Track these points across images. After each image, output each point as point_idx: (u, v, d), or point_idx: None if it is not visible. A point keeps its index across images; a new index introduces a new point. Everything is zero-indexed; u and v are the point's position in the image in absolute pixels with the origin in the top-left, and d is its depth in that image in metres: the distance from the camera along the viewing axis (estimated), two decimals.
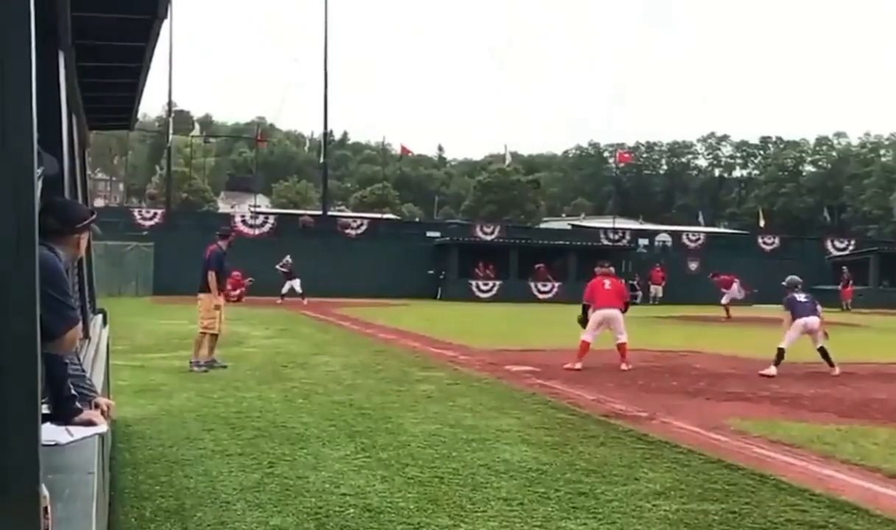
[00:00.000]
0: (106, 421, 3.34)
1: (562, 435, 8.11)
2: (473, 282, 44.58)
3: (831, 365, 13.65)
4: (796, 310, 13.90)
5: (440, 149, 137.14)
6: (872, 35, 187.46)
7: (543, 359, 14.92)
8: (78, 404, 3.21)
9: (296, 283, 35.98)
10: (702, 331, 24.27)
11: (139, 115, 8.83)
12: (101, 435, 3.20)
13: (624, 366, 13.94)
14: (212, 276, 13.28)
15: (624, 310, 14.67)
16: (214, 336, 13.36)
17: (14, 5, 1.52)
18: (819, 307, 14.28)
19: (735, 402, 10.58)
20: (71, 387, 3.20)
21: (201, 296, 13.46)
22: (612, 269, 15.42)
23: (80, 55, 5.14)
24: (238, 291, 33.84)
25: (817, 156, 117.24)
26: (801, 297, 14.14)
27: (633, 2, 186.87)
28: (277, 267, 36.37)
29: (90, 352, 4.95)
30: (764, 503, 5.79)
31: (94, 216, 3.66)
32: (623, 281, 16.58)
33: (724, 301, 32.17)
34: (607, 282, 14.71)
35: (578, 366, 13.84)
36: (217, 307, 13.36)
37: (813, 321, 13.84)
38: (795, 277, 14.59)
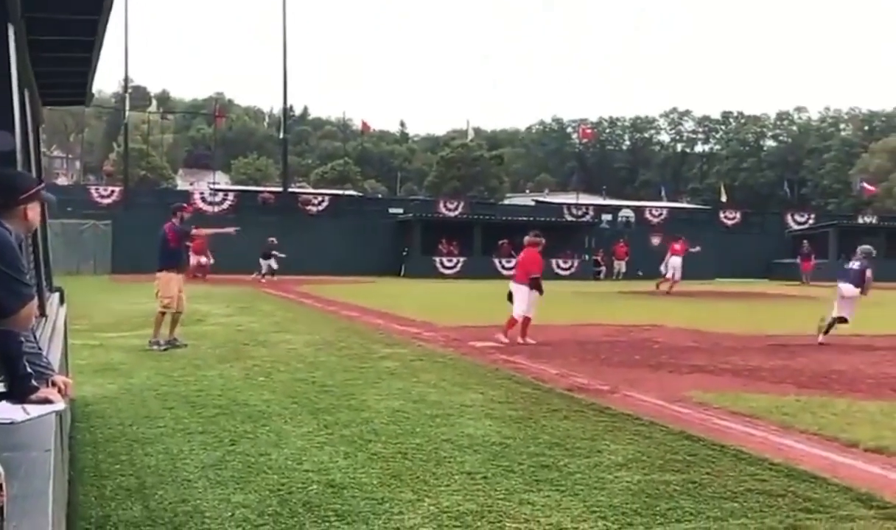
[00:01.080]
0: (63, 399, 3.29)
1: (525, 409, 8.14)
2: (437, 259, 44.52)
3: (824, 333, 14.14)
4: (837, 277, 14.41)
5: (402, 124, 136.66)
6: (832, 10, 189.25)
7: (510, 333, 14.93)
8: (34, 382, 3.16)
9: (268, 262, 35.82)
10: (664, 305, 24.46)
11: (95, 91, 8.65)
12: (59, 414, 3.16)
13: (501, 337, 13.88)
14: (188, 252, 13.19)
15: (531, 286, 14.23)
16: (178, 314, 13.22)
17: None
18: (867, 275, 14.66)
19: (697, 375, 10.68)
20: (27, 364, 3.15)
21: (160, 274, 13.27)
22: (535, 239, 14.88)
23: (31, 28, 5.04)
24: (205, 262, 33.54)
25: (778, 131, 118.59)
26: (849, 265, 14.58)
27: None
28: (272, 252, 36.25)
29: (47, 330, 4.88)
30: (724, 473, 5.86)
31: (42, 185, 3.55)
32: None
33: (672, 274, 31.38)
34: (520, 256, 14.79)
35: (530, 341, 13.87)
36: (180, 290, 13.27)
37: (845, 288, 14.20)
38: (865, 247, 14.99)
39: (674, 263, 31.33)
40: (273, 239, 36.18)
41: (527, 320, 14.14)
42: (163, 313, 13.08)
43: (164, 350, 12.46)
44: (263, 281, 33.89)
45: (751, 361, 11.92)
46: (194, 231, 15.06)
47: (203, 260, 33.70)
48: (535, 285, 14.31)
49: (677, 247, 31.97)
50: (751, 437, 7.11)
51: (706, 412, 8.23)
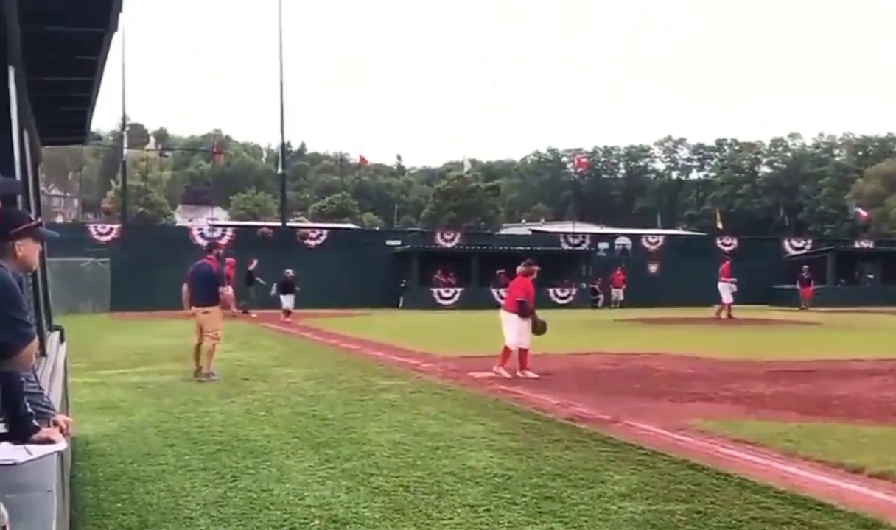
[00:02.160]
0: (64, 438, 3.28)
1: (526, 440, 8.11)
2: (435, 290, 44.49)
3: None
4: None
5: (399, 157, 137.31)
6: (824, 37, 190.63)
7: (507, 365, 14.89)
8: (35, 422, 3.15)
9: (289, 298, 32.84)
10: (663, 332, 24.44)
11: (93, 130, 8.71)
12: (60, 453, 3.16)
13: (495, 368, 13.65)
14: (228, 290, 14.20)
15: (521, 314, 13.86)
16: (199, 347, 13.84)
17: None
18: None
19: (698, 403, 10.64)
20: (28, 404, 3.15)
21: (212, 309, 13.85)
22: (526, 269, 14.42)
23: (31, 69, 5.06)
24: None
25: (773, 158, 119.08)
26: None
27: (587, 11, 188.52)
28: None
29: (47, 370, 4.88)
30: (729, 502, 5.83)
31: (34, 223, 3.48)
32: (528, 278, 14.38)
33: (724, 299, 31.72)
34: (510, 285, 14.68)
35: (530, 374, 13.48)
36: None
37: None
38: None
39: (720, 288, 31.83)
40: (290, 271, 34.13)
41: (523, 352, 13.84)
42: (215, 344, 13.73)
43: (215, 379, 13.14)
44: (287, 319, 30.72)
45: (752, 388, 11.88)
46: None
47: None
48: (523, 312, 13.92)
49: (722, 271, 32.49)
50: (754, 465, 7.08)
51: (709, 440, 8.20)
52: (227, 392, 11.78)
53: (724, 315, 31.44)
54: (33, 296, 5.60)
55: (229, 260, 33.80)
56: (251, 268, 36.19)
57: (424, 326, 27.80)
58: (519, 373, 13.52)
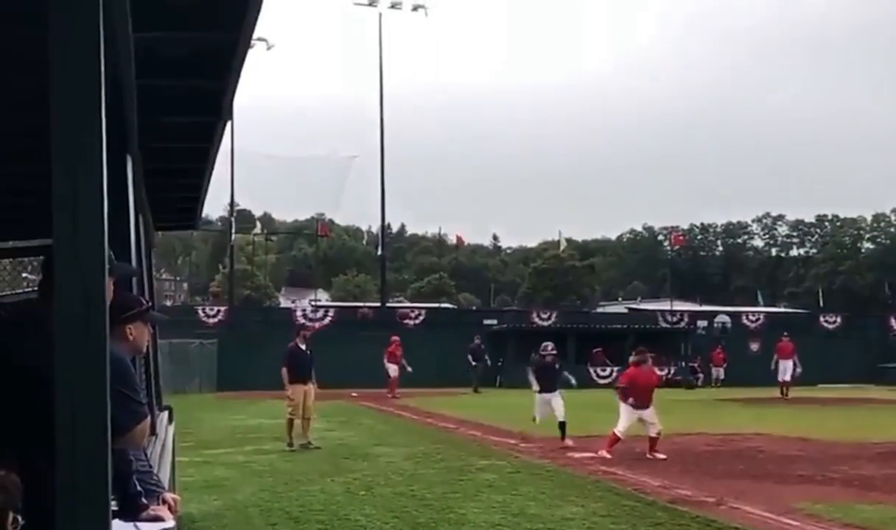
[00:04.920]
0: (172, 516, 3.38)
1: (628, 522, 7.97)
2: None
3: None
4: None
5: (495, 238, 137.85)
6: None
7: (611, 450, 14.65)
8: (144, 500, 3.25)
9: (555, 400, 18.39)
10: (766, 412, 23.73)
11: (202, 215, 9.07)
12: None
13: (599, 451, 13.68)
14: (284, 372, 15.38)
15: (623, 398, 14.08)
16: (307, 420, 15.04)
17: (86, 114, 1.61)
18: None
19: (805, 485, 10.31)
20: (136, 483, 3.25)
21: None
22: (636, 358, 14.85)
23: (147, 157, 5.30)
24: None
25: (875, 233, 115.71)
26: None
27: (673, 95, 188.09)
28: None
29: (157, 448, 5.02)
30: None
31: (144, 307, 3.61)
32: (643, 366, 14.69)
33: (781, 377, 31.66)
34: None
35: (659, 455, 13.53)
36: (291, 398, 15.13)
37: None
38: None
39: (781, 366, 31.90)
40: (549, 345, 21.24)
41: (653, 439, 13.76)
42: (290, 419, 15.02)
43: (293, 449, 14.40)
44: (566, 445, 17.09)
45: (861, 470, 11.46)
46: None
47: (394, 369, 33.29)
48: (623, 397, 14.02)
49: (781, 348, 32.58)
50: None
51: (818, 524, 7.93)
52: (328, 471, 11.88)
53: (785, 392, 31.43)
54: (145, 376, 5.81)
55: (394, 338, 34.56)
56: (477, 345, 35.46)
57: (522, 405, 27.55)
58: (648, 455, 13.52)
